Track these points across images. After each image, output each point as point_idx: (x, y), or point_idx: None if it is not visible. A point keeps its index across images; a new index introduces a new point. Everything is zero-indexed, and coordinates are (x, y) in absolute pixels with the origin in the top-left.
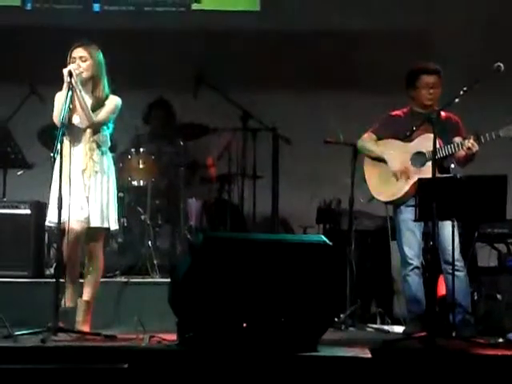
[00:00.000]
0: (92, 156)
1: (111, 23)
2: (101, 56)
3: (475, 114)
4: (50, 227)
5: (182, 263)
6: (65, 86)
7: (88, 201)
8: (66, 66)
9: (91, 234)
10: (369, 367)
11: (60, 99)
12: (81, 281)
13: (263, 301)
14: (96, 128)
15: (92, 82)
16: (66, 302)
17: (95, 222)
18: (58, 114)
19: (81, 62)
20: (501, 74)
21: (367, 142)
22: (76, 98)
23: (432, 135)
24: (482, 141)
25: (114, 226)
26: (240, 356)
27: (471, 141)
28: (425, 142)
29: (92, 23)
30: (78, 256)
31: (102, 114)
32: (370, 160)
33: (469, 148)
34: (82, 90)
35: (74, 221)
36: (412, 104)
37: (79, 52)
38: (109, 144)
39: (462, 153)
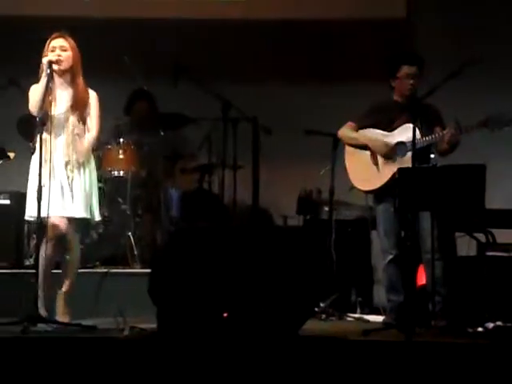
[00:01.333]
0: (75, 147)
1: (91, 12)
2: (77, 48)
3: (456, 103)
4: (32, 220)
5: (161, 253)
6: (44, 75)
7: (71, 192)
8: (43, 56)
9: (69, 224)
10: (348, 356)
11: (36, 91)
12: (59, 271)
13: (243, 290)
14: (83, 119)
15: (70, 73)
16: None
17: (80, 213)
18: (34, 104)
19: (61, 51)
20: (482, 63)
21: (349, 130)
22: (55, 88)
23: (411, 125)
24: (463, 130)
25: (97, 216)
26: (220, 346)
27: (452, 130)
28: (406, 132)
29: (71, 12)
30: (55, 254)
31: (96, 123)
32: (350, 149)
33: (449, 137)
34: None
35: (57, 217)
36: (393, 93)
37: (59, 42)
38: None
39: (443, 143)
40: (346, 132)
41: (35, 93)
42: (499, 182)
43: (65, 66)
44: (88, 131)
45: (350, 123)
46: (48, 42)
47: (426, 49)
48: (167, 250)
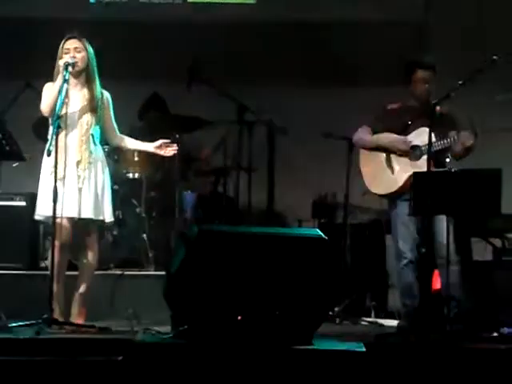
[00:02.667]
0: (87, 147)
1: (106, 15)
2: (92, 50)
3: (471, 106)
4: (45, 219)
5: (176, 256)
6: (59, 77)
7: (81, 192)
8: (58, 58)
9: (84, 226)
10: (362, 361)
11: (50, 90)
12: (75, 273)
13: (258, 294)
14: (97, 119)
15: (85, 74)
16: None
17: (87, 214)
18: (48, 105)
19: (75, 52)
20: (497, 66)
21: (363, 135)
22: (71, 89)
23: (427, 129)
24: (478, 133)
25: (109, 218)
26: (234, 349)
27: (466, 134)
28: (420, 136)
29: (86, 15)
30: (67, 256)
31: (113, 124)
32: (365, 153)
33: (464, 141)
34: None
35: (66, 218)
36: (408, 97)
37: (73, 43)
38: (102, 137)
39: (457, 146)
40: (362, 138)
41: (49, 93)
42: None
43: (80, 67)
44: (107, 131)
45: (365, 128)
46: (62, 43)
47: (443, 51)
48: (182, 254)
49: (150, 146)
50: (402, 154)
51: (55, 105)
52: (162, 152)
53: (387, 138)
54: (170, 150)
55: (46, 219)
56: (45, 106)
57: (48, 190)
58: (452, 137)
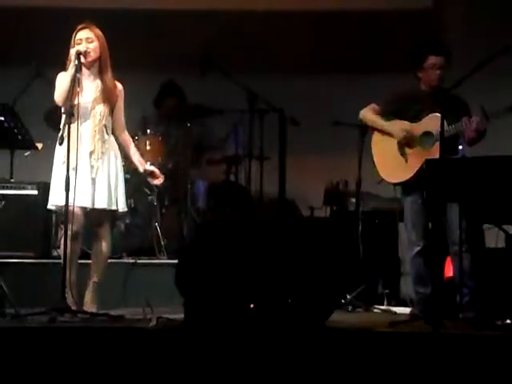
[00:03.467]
0: (101, 138)
1: (119, 3)
2: (104, 39)
3: (483, 92)
4: (58, 208)
5: (188, 244)
6: (71, 66)
7: (94, 182)
8: (70, 48)
9: (98, 215)
10: (375, 347)
11: (63, 80)
12: (89, 262)
13: (270, 282)
14: (111, 109)
15: (98, 64)
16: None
17: (101, 204)
18: (60, 94)
19: (87, 43)
20: (510, 54)
21: (370, 112)
22: (82, 79)
23: (439, 115)
24: (490, 117)
25: (122, 207)
26: (246, 337)
27: (478, 118)
28: (432, 122)
29: (99, 3)
30: (79, 244)
31: (122, 117)
32: (377, 141)
33: (477, 125)
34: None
35: (78, 208)
36: (419, 83)
37: (85, 33)
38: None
39: (470, 131)
40: (368, 114)
41: (62, 82)
42: None
43: (92, 57)
44: (115, 122)
45: (373, 105)
46: (74, 33)
47: (453, 39)
48: (194, 241)
49: (141, 166)
50: (402, 143)
51: (68, 94)
52: (149, 179)
53: (390, 126)
54: (158, 180)
55: (58, 209)
56: (57, 96)
57: (61, 179)
58: (464, 122)
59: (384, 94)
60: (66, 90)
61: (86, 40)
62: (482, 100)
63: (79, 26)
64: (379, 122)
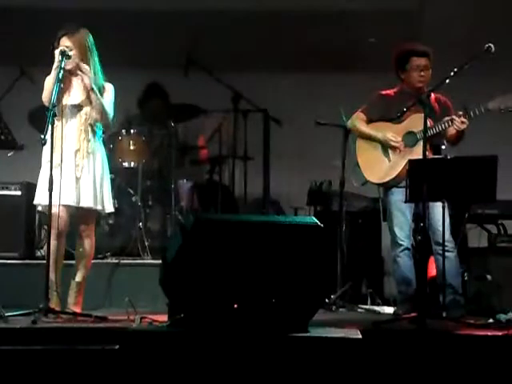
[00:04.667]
0: (86, 137)
1: (102, 3)
2: (88, 41)
3: (464, 92)
4: (39, 209)
5: (172, 244)
6: (55, 66)
7: (79, 182)
8: (56, 48)
9: (82, 215)
10: (359, 348)
11: (49, 80)
12: (72, 262)
13: (254, 282)
14: (98, 109)
15: (78, 69)
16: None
17: (86, 203)
18: (46, 95)
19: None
20: (491, 54)
21: (358, 121)
22: (68, 78)
23: (422, 115)
24: (472, 116)
25: (108, 208)
26: (231, 337)
27: (461, 117)
28: (415, 122)
29: (82, 3)
30: (64, 243)
31: (110, 107)
32: (362, 142)
33: (458, 124)
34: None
35: (62, 207)
36: (402, 85)
37: (64, 42)
38: (102, 127)
39: (452, 131)
40: (355, 123)
41: (48, 82)
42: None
43: (70, 66)
44: (101, 120)
45: (359, 113)
46: (57, 39)
47: (438, 39)
48: (179, 242)
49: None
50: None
51: (52, 93)
52: None
53: (381, 133)
54: None
55: (44, 207)
56: (44, 96)
57: (46, 178)
58: (446, 121)
59: (367, 95)
60: (51, 89)
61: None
62: (463, 99)
63: (60, 33)
64: (372, 135)
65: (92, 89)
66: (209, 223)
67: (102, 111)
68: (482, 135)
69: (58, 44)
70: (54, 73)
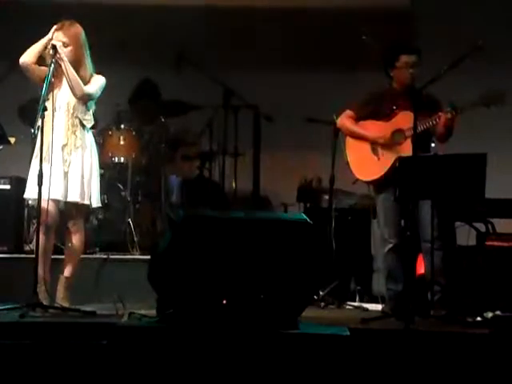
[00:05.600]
0: (74, 131)
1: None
2: (82, 36)
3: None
4: (29, 203)
5: (162, 240)
6: (46, 60)
7: (67, 176)
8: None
9: (71, 209)
10: (347, 345)
11: (35, 46)
12: (61, 257)
13: (243, 278)
14: (83, 102)
15: (74, 65)
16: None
17: (73, 197)
18: (27, 52)
19: (62, 47)
20: (483, 51)
21: (346, 120)
22: (63, 72)
23: (410, 113)
24: (459, 112)
25: (95, 203)
26: (219, 333)
27: (448, 113)
28: (403, 120)
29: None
30: (53, 238)
31: (89, 88)
32: (351, 141)
33: (446, 119)
34: (68, 63)
35: (52, 201)
36: (392, 82)
37: (59, 37)
38: (92, 122)
39: (440, 128)
40: (345, 123)
41: (33, 47)
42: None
43: (66, 59)
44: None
45: (348, 112)
46: (52, 32)
47: (429, 37)
48: (168, 237)
49: None
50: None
51: (34, 56)
52: None
53: (370, 132)
54: None
55: (33, 201)
56: (24, 55)
57: (35, 172)
58: (433, 118)
59: (358, 92)
60: (35, 51)
61: (61, 44)
62: (451, 96)
63: (55, 27)
64: (361, 133)
65: (63, 60)
66: (198, 219)
67: (73, 83)
68: (472, 133)
69: (52, 38)
70: (42, 41)
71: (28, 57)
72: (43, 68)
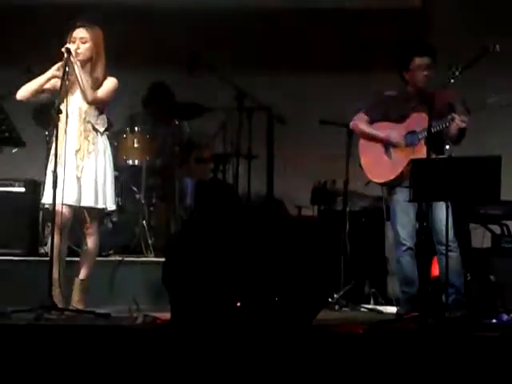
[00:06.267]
0: (87, 136)
1: (108, 1)
2: (101, 37)
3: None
4: (44, 206)
5: (175, 242)
6: (62, 63)
7: (80, 181)
8: (63, 45)
9: (85, 213)
10: (361, 347)
11: (36, 82)
12: (76, 259)
13: (257, 280)
14: (95, 106)
15: (90, 64)
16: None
17: (87, 202)
18: (23, 92)
19: (81, 43)
20: (496, 53)
21: (359, 122)
22: (75, 76)
23: (424, 114)
24: (470, 111)
25: (110, 206)
26: (233, 335)
27: (461, 115)
28: (417, 121)
29: (88, 1)
30: (66, 242)
31: (101, 92)
32: (364, 143)
33: (459, 121)
34: (80, 68)
35: (64, 206)
36: (406, 85)
37: (80, 33)
38: (105, 125)
39: (453, 129)
40: (358, 125)
41: (33, 82)
42: None
43: (83, 57)
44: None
45: (361, 114)
46: (70, 32)
47: (442, 38)
48: (182, 239)
49: None
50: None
51: (31, 93)
52: None
53: (383, 133)
54: None
55: (49, 205)
56: (20, 91)
57: (49, 177)
58: (448, 120)
59: (371, 93)
60: (32, 89)
61: (80, 39)
62: (465, 97)
63: (76, 24)
64: (372, 132)
65: (76, 64)
66: (212, 221)
67: (84, 88)
68: (486, 136)
69: (71, 36)
70: (48, 74)
71: (24, 94)
72: (44, 95)
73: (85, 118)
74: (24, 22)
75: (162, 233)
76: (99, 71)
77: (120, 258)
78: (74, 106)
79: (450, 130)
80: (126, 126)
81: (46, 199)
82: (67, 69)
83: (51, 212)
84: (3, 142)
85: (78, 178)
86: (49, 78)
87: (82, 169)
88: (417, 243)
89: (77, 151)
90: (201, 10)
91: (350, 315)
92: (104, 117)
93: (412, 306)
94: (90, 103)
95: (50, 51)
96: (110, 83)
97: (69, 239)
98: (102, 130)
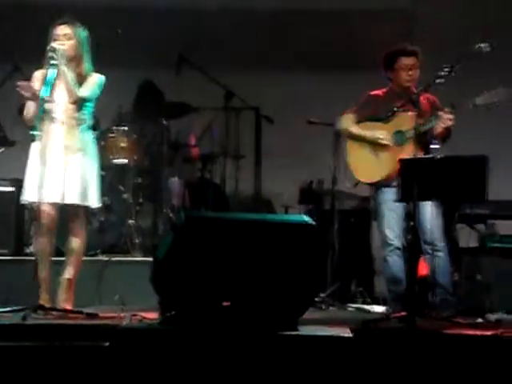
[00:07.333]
0: (73, 133)
1: (94, 1)
2: (84, 34)
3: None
4: (30, 205)
5: (163, 242)
6: (46, 62)
7: (65, 178)
8: (49, 43)
9: (70, 212)
10: (349, 347)
11: (38, 78)
12: (62, 259)
13: (244, 280)
14: (80, 104)
15: (75, 61)
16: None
17: (72, 199)
18: (26, 117)
19: (65, 39)
20: (483, 54)
21: (346, 122)
22: (60, 74)
23: (410, 114)
24: (455, 109)
25: (95, 203)
26: (221, 335)
27: (448, 113)
28: (403, 121)
29: (76, 0)
30: (51, 241)
31: (85, 90)
32: (351, 143)
33: (445, 120)
34: (66, 65)
35: (48, 204)
36: (391, 85)
37: (64, 29)
38: (90, 122)
39: (439, 128)
40: (345, 125)
41: (28, 108)
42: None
43: (68, 54)
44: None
45: (348, 114)
46: (53, 28)
47: (429, 38)
48: (170, 239)
49: None
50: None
51: (33, 118)
52: None
53: (370, 132)
54: None
55: (30, 204)
56: (27, 120)
57: (32, 175)
58: (434, 119)
59: (359, 93)
60: (32, 115)
61: (64, 36)
62: (451, 97)
63: (58, 21)
64: (360, 133)
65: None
66: (200, 221)
67: (69, 87)
68: (474, 134)
69: (54, 33)
70: (31, 104)
71: (31, 118)
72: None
73: (70, 115)
74: (11, 19)
75: (150, 232)
76: (83, 67)
77: (107, 258)
78: (60, 103)
79: (437, 128)
80: (114, 124)
81: (25, 197)
82: (52, 68)
83: (36, 211)
84: None
85: (63, 176)
86: (34, 93)
87: (67, 165)
88: (403, 243)
89: (62, 148)
90: (189, 9)
91: (336, 314)
92: (87, 112)
93: (399, 305)
94: (72, 103)
95: (37, 49)
96: (94, 80)
97: (54, 238)
98: (85, 124)
